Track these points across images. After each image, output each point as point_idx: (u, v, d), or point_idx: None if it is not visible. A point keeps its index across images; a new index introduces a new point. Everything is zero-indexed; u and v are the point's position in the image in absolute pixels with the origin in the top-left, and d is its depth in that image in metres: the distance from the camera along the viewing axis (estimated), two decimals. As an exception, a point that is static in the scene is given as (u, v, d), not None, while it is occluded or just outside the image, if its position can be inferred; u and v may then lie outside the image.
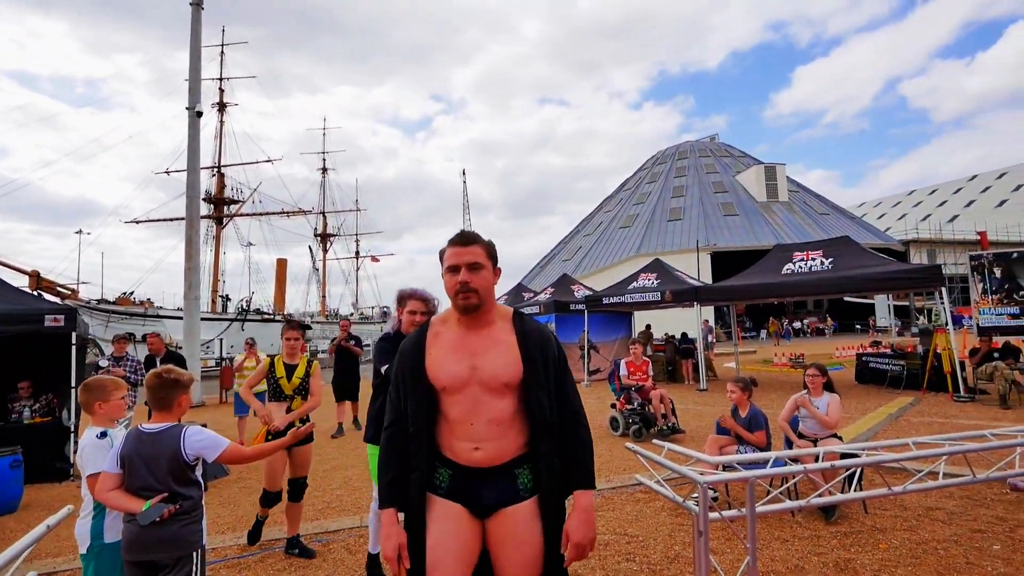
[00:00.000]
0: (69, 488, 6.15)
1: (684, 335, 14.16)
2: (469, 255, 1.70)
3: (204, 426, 2.69)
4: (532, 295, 17.75)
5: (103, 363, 6.48)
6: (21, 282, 16.34)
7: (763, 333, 39.81)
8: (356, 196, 68.71)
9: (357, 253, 65.49)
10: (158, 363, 6.72)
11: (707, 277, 32.22)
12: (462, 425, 1.67)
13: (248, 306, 39.11)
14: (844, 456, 3.20)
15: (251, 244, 48.02)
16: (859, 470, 4.03)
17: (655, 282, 13.43)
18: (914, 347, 13.16)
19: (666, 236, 42.71)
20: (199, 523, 2.37)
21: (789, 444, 4.73)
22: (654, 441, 2.75)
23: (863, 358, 12.77)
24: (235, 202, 44.09)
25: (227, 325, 31.88)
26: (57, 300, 15.80)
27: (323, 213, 59.37)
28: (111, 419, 2.64)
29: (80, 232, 36.52)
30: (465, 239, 1.74)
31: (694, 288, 12.75)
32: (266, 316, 40.57)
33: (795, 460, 2.64)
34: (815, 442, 4.54)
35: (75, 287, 27.01)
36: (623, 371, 7.79)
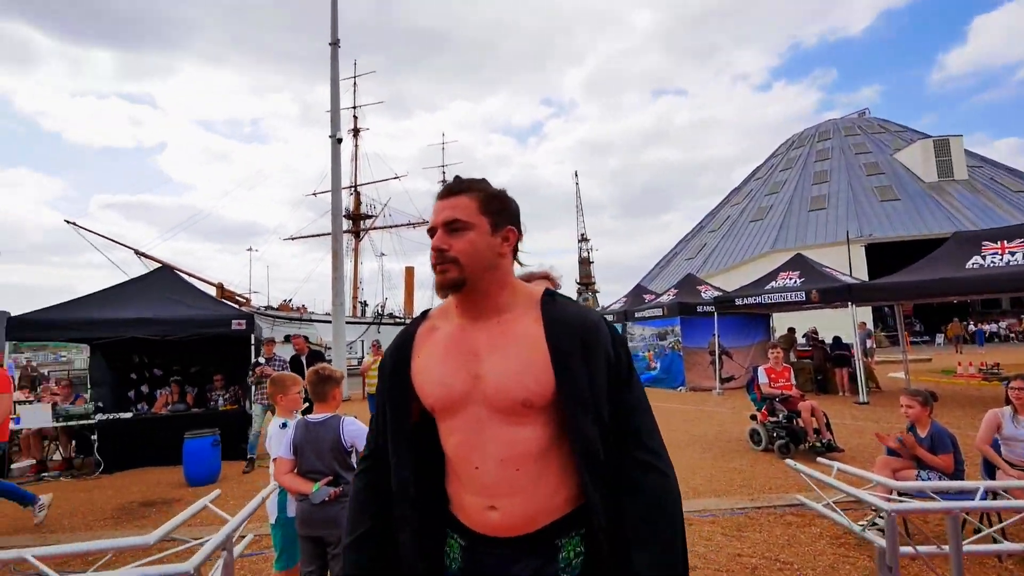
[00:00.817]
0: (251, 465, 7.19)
1: (837, 339, 12.59)
2: (448, 210, 1.12)
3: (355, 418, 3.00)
4: (653, 297, 17.07)
5: (261, 360, 7.32)
6: (209, 292, 19.70)
7: (940, 338, 34.00)
8: (476, 204, 71.52)
9: (477, 259, 68.29)
10: (303, 361, 7.57)
11: (861, 273, 28.34)
12: (465, 468, 1.11)
13: (383, 311, 42.80)
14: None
15: (383, 254, 52.54)
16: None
17: (798, 280, 12.12)
18: None
19: (807, 228, 38.38)
20: None
21: (989, 471, 3.96)
22: (819, 460, 2.48)
23: (1083, 369, 10.30)
24: (369, 217, 48.53)
25: (366, 328, 35.13)
26: (236, 307, 18.74)
27: (447, 222, 62.75)
28: (290, 410, 3.07)
29: (250, 249, 42.94)
30: (449, 189, 1.17)
31: (847, 286, 11.28)
32: (398, 319, 44.09)
33: (1004, 493, 2.20)
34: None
35: (248, 296, 31.79)
36: (762, 378, 7.14)
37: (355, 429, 2.72)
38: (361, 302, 47.22)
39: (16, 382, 10.54)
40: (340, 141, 15.48)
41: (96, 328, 7.65)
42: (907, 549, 1.54)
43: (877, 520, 3.54)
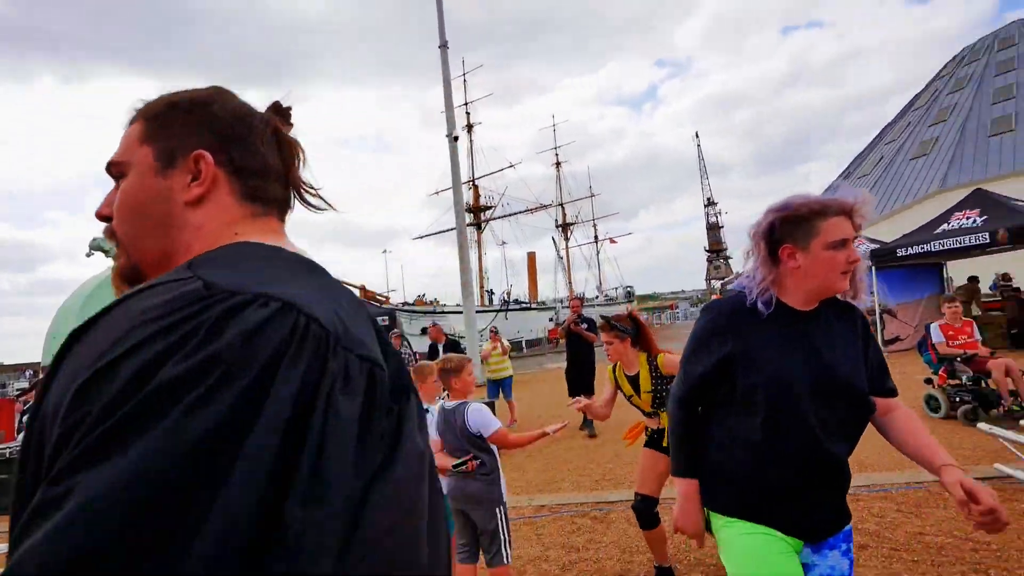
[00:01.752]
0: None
1: (1036, 285, 10.41)
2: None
3: (490, 404, 3.22)
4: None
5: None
6: (355, 292, 22.08)
7: None
8: (589, 183, 70.60)
9: (596, 237, 67.57)
10: (440, 349, 8.02)
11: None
12: None
13: (508, 298, 44.32)
14: None
15: (504, 243, 54.22)
16: None
17: (978, 220, 10.18)
18: None
19: (988, 158, 31.87)
20: (498, 484, 2.87)
21: None
22: (1023, 423, 2.13)
23: None
24: (488, 208, 50.26)
25: (494, 315, 36.65)
26: (378, 305, 20.72)
27: (561, 205, 62.95)
28: (429, 398, 3.37)
29: (385, 251, 46.97)
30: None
31: (1048, 220, 9.23)
32: (523, 305, 45.36)
33: None
34: None
35: (387, 295, 34.87)
36: (937, 337, 6.17)
37: (477, 417, 2.88)
38: (488, 291, 49.37)
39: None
40: (456, 139, 16.23)
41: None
42: None
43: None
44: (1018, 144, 31.10)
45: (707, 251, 75.36)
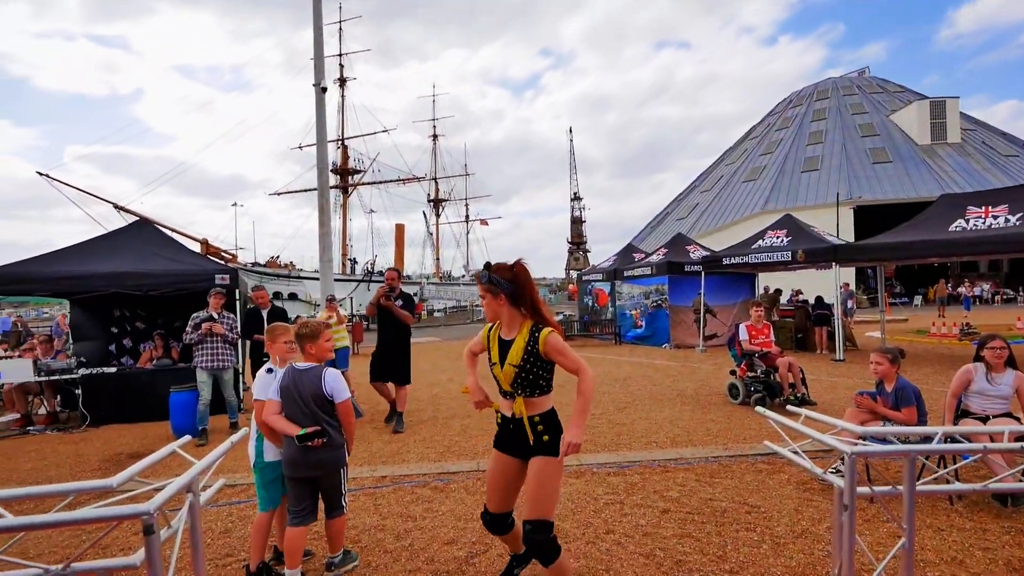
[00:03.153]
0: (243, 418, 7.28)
1: (819, 299, 12.79)
2: None
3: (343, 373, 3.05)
4: (643, 256, 17.12)
5: (208, 315, 6.47)
6: (195, 247, 19.42)
7: (918, 299, 34.81)
8: (465, 160, 70.54)
9: (467, 217, 67.86)
10: (264, 316, 6.98)
11: (848, 235, 28.57)
12: None
13: (373, 268, 42.56)
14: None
15: (372, 211, 51.96)
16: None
17: (785, 240, 12.18)
18: None
19: (799, 190, 38.29)
20: (341, 448, 2.86)
21: (956, 423, 4.12)
22: (789, 408, 2.54)
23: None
24: (357, 172, 47.58)
25: (355, 285, 35.04)
26: (221, 263, 18.51)
27: (435, 179, 61.99)
28: (281, 359, 3.07)
29: (235, 205, 42.11)
30: None
31: (833, 246, 11.37)
32: (389, 277, 44.03)
33: (964, 439, 2.29)
34: (984, 421, 3.92)
35: (234, 252, 31.33)
36: (743, 335, 7.27)
37: (336, 382, 2.84)
38: (351, 259, 46.92)
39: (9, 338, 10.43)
40: (325, 90, 14.90)
41: (76, 283, 7.53)
42: (864, 489, 1.60)
43: (840, 467, 3.70)
44: (821, 181, 37.81)
45: (569, 242, 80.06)
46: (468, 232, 68.06)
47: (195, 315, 6.48)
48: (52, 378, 7.31)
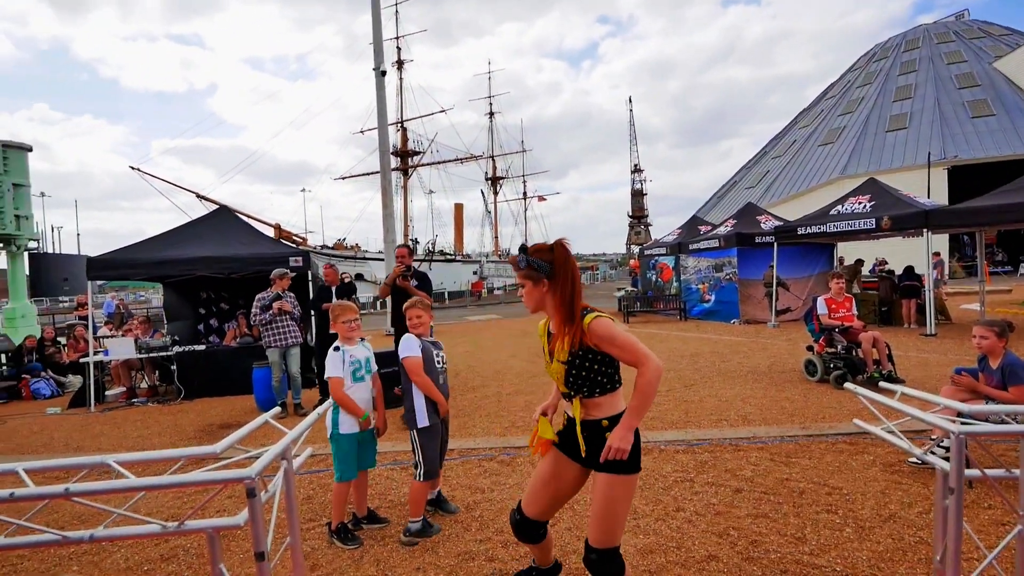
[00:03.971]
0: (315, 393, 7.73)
1: (909, 269, 11.74)
2: None
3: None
4: (709, 228, 16.37)
5: (276, 295, 6.64)
6: (268, 232, 20.63)
7: (1022, 269, 31.34)
8: (521, 137, 69.87)
9: (525, 194, 67.58)
10: (333, 293, 7.05)
11: (941, 199, 25.94)
12: None
13: (434, 248, 43.59)
14: None
15: (432, 192, 52.76)
16: None
17: (868, 206, 11.21)
18: None
19: (884, 151, 35.07)
20: (411, 412, 3.19)
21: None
22: (882, 384, 2.36)
23: None
24: (417, 153, 48.39)
25: (418, 265, 36.08)
26: (293, 246, 19.59)
27: (492, 157, 61.96)
28: (344, 337, 3.23)
29: (303, 190, 44.23)
30: None
31: (924, 211, 10.32)
32: (448, 256, 44.91)
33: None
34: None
35: (304, 236, 33.02)
36: (822, 309, 6.82)
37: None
38: (413, 239, 48.21)
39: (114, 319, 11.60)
40: (384, 74, 15.14)
41: (165, 267, 8.20)
42: (973, 472, 1.46)
43: (936, 449, 3.42)
44: (910, 141, 34.44)
45: (630, 216, 78.02)
46: (526, 209, 67.90)
47: (260, 296, 6.69)
48: (151, 355, 8.06)
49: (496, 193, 63.18)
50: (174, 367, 7.93)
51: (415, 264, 6.21)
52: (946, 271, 15.10)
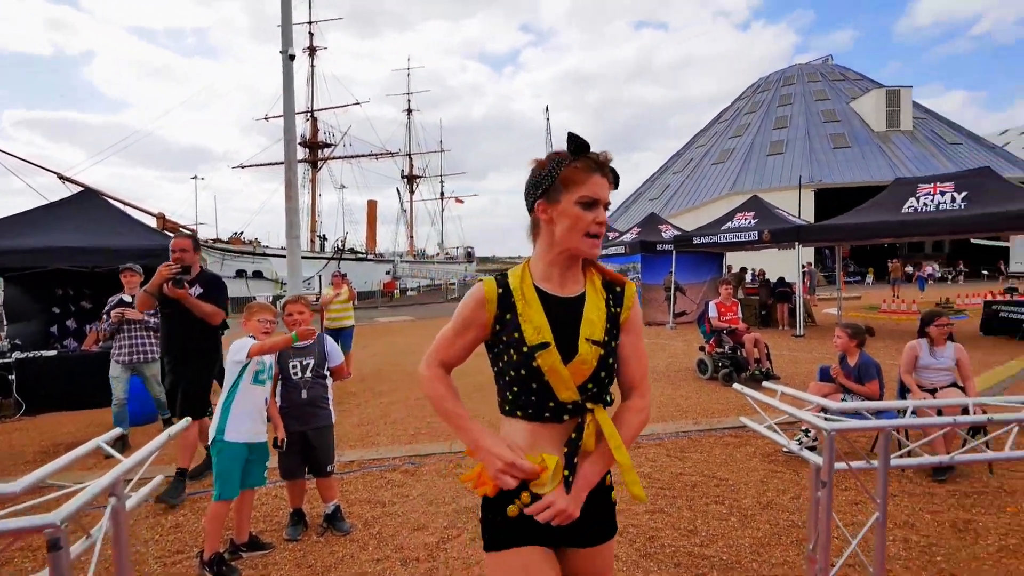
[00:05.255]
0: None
1: (781, 279, 13.15)
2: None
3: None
4: (617, 235, 17.20)
5: (123, 299, 5.51)
6: (149, 223, 18.49)
7: (870, 279, 36.40)
8: (440, 137, 69.06)
9: (442, 194, 66.90)
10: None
11: (809, 216, 29.41)
12: None
13: (343, 246, 41.60)
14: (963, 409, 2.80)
15: (343, 187, 50.55)
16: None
17: (752, 221, 12.41)
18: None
19: (764, 172, 39.13)
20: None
21: (902, 395, 4.28)
22: (765, 384, 2.54)
23: (992, 306, 11.22)
24: (328, 145, 46.10)
25: (325, 263, 34.22)
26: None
27: (409, 155, 60.68)
28: (257, 338, 2.88)
29: (195, 177, 40.28)
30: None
31: (796, 227, 11.65)
32: (359, 255, 43.19)
33: (916, 412, 2.34)
34: (933, 393, 4.10)
35: (194, 228, 30.07)
36: (713, 312, 7.39)
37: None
38: (320, 236, 45.75)
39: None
40: (293, 58, 14.17)
41: (6, 258, 6.91)
42: (841, 465, 1.59)
43: (803, 439, 3.82)
44: (786, 165, 38.67)
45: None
46: (443, 210, 67.21)
47: (111, 299, 5.49)
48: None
49: (412, 192, 61.93)
50: (12, 377, 6.62)
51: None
52: (814, 280, 17.07)
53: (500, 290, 1.26)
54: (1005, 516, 3.18)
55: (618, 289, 1.33)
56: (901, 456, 1.61)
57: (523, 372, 1.21)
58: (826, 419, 1.57)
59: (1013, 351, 8.78)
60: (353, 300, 8.36)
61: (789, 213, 13.72)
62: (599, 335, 1.24)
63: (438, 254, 62.78)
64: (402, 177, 60.83)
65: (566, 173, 1.21)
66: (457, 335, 1.30)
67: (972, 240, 26.79)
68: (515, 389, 1.24)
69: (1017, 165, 36.73)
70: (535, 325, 1.21)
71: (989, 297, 13.45)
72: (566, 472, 1.21)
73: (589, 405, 1.24)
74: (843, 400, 4.15)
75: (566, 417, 1.23)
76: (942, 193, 9.79)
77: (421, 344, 12.24)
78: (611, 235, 17.34)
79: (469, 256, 65.32)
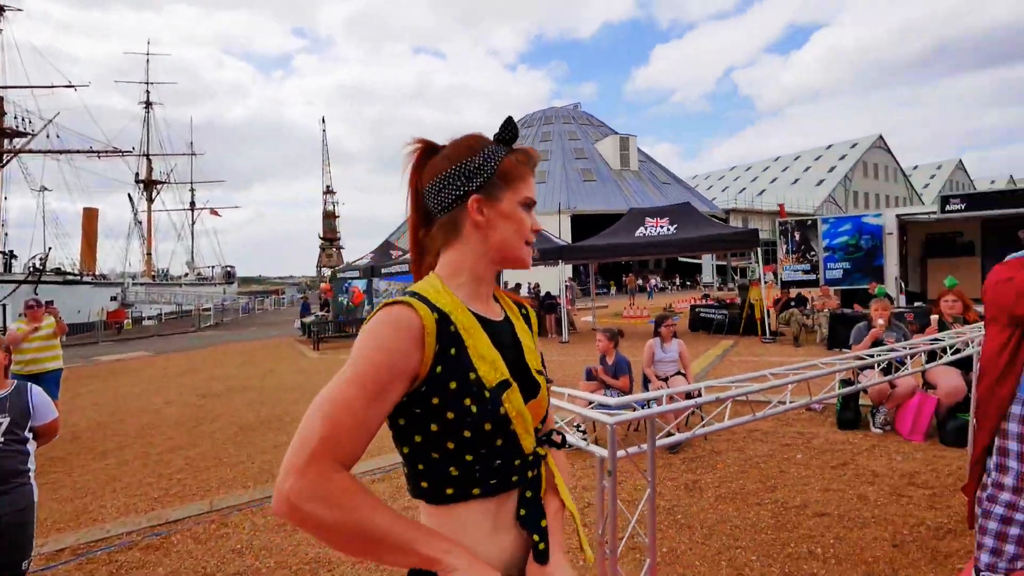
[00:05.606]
0: None
1: (548, 293, 14.82)
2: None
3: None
4: (400, 253, 17.11)
5: None
6: None
7: (612, 290, 43.99)
8: (191, 137, 59.20)
9: (192, 204, 57.11)
10: None
11: (567, 238, 34.13)
12: None
13: (43, 264, 32.03)
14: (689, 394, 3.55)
15: (46, 189, 39.13)
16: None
17: (523, 241, 13.75)
18: (734, 299, 15.39)
19: (530, 198, 44.08)
20: None
21: (646, 385, 5.20)
22: (553, 388, 2.72)
23: (696, 309, 14.60)
24: (21, 135, 35.39)
25: (14, 287, 25.97)
26: None
27: (147, 155, 50.48)
28: None
29: None
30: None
31: (560, 247, 13.31)
32: (70, 277, 33.87)
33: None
34: (666, 380, 5.08)
35: None
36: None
37: None
38: (6, 252, 34.42)
39: None
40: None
41: None
42: (621, 453, 1.76)
43: (576, 432, 4.29)
44: (547, 193, 44.20)
45: (321, 238, 75.30)
46: (193, 223, 57.16)
47: None
48: None
49: (152, 200, 51.41)
50: None
51: None
52: (575, 293, 19.75)
53: (436, 315, 0.87)
54: (717, 472, 4.07)
55: (523, 312, 1.14)
56: (662, 437, 1.88)
57: (487, 427, 0.86)
58: (608, 414, 1.74)
59: (710, 343, 11.50)
60: (61, 335, 6.38)
61: (552, 235, 15.60)
62: (540, 365, 1.05)
63: (187, 274, 53.24)
64: (137, 182, 50.21)
65: (507, 167, 1.00)
66: (372, 401, 0.79)
67: (680, 258, 34.67)
68: (469, 458, 0.87)
69: (704, 202, 48.99)
70: (488, 360, 0.90)
71: (693, 302, 17.44)
72: (541, 545, 0.91)
73: (541, 451, 0.99)
74: (605, 394, 4.82)
75: (530, 474, 0.94)
76: (661, 226, 12.50)
77: (159, 385, 9.96)
78: (394, 253, 17.21)
79: (229, 276, 56.48)
